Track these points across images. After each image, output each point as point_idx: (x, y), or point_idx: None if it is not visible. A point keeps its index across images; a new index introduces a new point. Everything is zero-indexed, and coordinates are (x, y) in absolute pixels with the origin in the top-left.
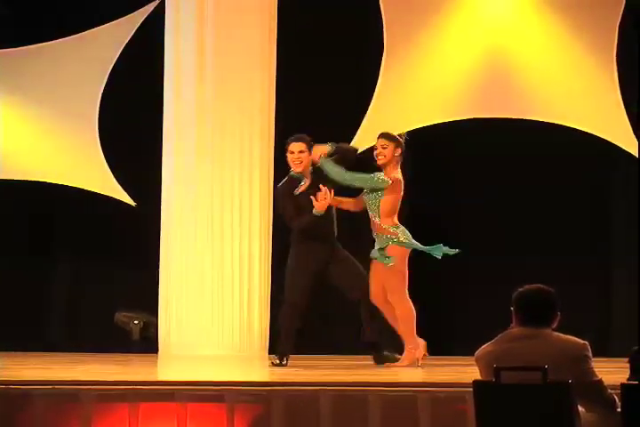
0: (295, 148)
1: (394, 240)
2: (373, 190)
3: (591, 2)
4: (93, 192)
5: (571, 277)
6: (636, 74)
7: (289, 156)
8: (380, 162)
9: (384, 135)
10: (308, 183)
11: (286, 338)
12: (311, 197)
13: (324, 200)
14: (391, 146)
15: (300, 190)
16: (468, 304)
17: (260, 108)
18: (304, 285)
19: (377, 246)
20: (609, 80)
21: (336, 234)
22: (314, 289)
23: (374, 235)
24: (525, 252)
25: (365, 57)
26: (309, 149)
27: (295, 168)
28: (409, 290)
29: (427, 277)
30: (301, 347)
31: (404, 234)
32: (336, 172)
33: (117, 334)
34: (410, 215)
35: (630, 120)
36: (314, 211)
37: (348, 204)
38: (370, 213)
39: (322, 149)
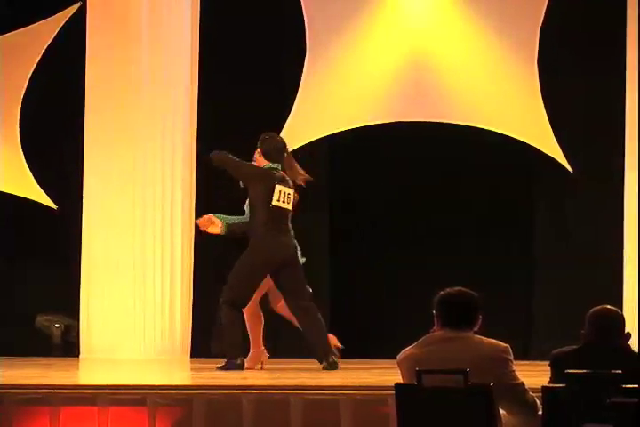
0: None
1: None
2: None
3: (514, 4)
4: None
5: (492, 279)
6: (556, 77)
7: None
8: None
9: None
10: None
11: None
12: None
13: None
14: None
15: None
16: (391, 306)
17: (183, 110)
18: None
19: None
20: (530, 83)
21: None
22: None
23: None
24: (447, 254)
25: (287, 57)
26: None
27: None
28: (329, 293)
29: (349, 280)
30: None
31: None
32: None
33: (38, 338)
34: (341, 217)
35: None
36: None
37: None
38: None
39: None
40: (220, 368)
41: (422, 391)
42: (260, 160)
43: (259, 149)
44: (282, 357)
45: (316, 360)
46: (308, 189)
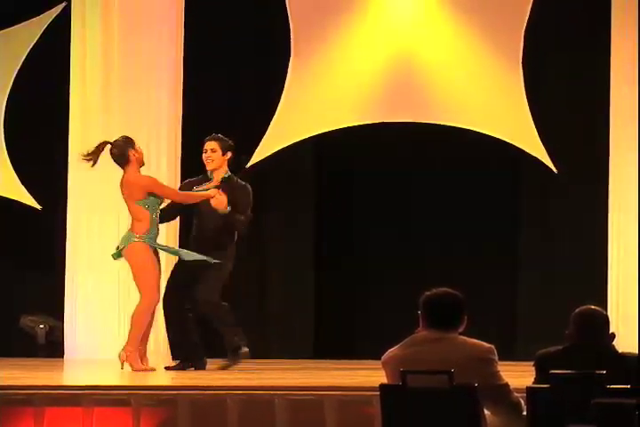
0: (208, 146)
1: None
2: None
3: (499, 4)
4: None
5: (477, 279)
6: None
7: (203, 154)
8: (210, 167)
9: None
10: (212, 185)
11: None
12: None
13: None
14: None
15: (199, 188)
16: (376, 307)
17: (168, 112)
18: None
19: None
20: (515, 84)
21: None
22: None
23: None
24: (432, 254)
25: (273, 57)
26: (223, 149)
27: (207, 166)
28: (313, 293)
29: (334, 280)
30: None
31: None
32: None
33: (23, 339)
34: (317, 217)
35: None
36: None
37: None
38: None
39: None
40: (231, 362)
41: (407, 392)
42: (224, 165)
43: (229, 154)
44: (266, 357)
45: (301, 361)
46: (295, 188)
